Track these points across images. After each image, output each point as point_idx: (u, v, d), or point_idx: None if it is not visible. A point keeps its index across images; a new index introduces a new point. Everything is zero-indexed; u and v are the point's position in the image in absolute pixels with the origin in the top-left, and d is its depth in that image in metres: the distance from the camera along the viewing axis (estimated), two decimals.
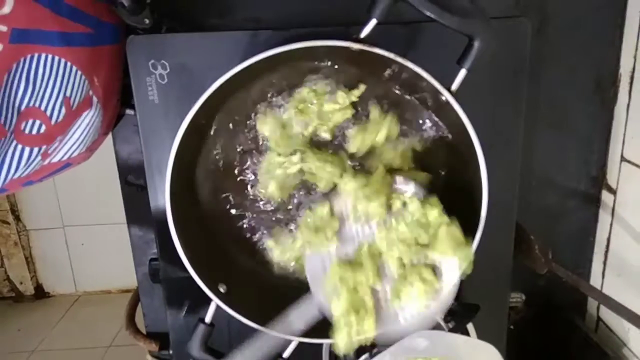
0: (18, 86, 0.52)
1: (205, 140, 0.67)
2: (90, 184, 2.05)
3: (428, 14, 0.52)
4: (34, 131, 0.55)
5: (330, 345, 0.74)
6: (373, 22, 0.54)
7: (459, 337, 0.64)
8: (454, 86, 0.56)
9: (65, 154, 0.64)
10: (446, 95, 0.55)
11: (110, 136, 0.79)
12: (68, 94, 0.58)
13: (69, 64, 0.57)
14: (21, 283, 2.36)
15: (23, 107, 0.53)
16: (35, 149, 0.56)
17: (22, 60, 0.51)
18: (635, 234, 0.77)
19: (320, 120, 0.64)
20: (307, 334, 0.63)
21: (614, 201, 0.81)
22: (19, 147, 0.54)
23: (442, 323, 0.73)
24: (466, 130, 0.56)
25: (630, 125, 0.77)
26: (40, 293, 2.40)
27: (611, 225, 0.82)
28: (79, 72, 0.59)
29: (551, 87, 0.79)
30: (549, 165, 0.82)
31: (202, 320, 0.64)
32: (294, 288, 0.71)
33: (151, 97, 0.68)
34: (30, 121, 0.54)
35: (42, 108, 0.55)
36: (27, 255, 2.32)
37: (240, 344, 0.61)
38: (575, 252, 0.87)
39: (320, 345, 0.74)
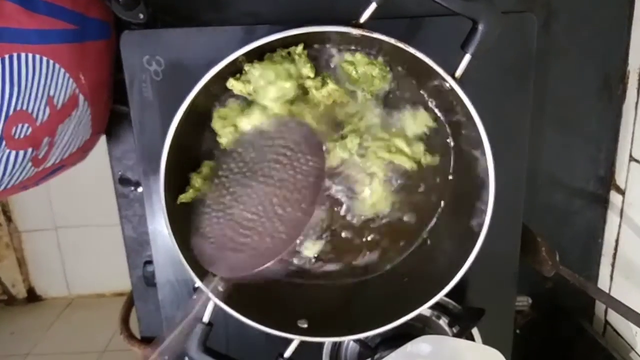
0: (3, 89, 0.50)
1: (202, 137, 0.66)
2: (83, 184, 2.03)
3: None
4: (22, 135, 0.54)
5: (331, 346, 0.73)
6: (373, 6, 0.53)
7: (463, 342, 0.64)
8: (458, 72, 0.55)
9: (58, 156, 0.63)
10: (450, 82, 0.54)
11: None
12: (52, 93, 0.56)
13: (51, 62, 0.55)
14: (13, 286, 2.34)
15: (11, 111, 0.51)
16: (21, 153, 0.55)
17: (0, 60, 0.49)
18: None
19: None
20: (308, 333, 0.63)
21: (623, 202, 0.80)
22: (6, 151, 0.53)
23: (447, 328, 0.72)
24: (472, 121, 0.55)
25: (639, 123, 0.76)
26: (33, 296, 2.38)
27: (619, 226, 0.81)
28: (62, 70, 0.57)
29: (558, 84, 0.77)
30: (555, 165, 0.81)
31: (199, 319, 0.63)
32: (293, 285, 0.71)
33: (145, 93, 0.67)
34: (19, 125, 0.53)
35: (28, 110, 0.54)
36: (19, 258, 2.31)
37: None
38: (583, 254, 0.85)
39: (321, 344, 0.74)
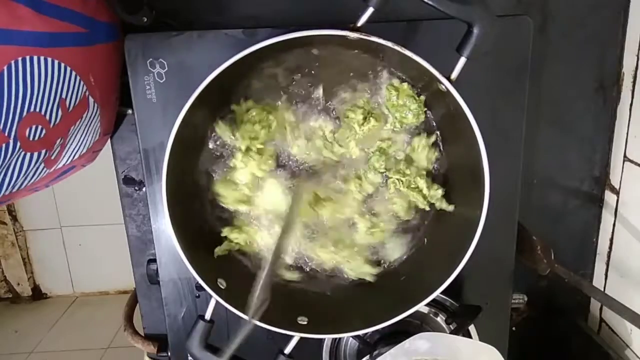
0: (16, 91, 0.51)
1: (204, 138, 0.67)
2: (87, 184, 2.04)
3: (426, 0, 0.51)
4: (36, 136, 0.54)
5: (331, 343, 0.74)
6: (370, 11, 0.54)
7: (460, 339, 0.64)
8: (454, 74, 0.55)
9: (69, 157, 0.64)
10: (445, 84, 0.55)
11: None
12: (64, 95, 0.57)
13: (62, 64, 0.56)
14: (18, 284, 2.35)
15: (24, 113, 0.52)
16: (35, 154, 0.55)
17: (12, 63, 0.50)
18: (638, 235, 0.76)
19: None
20: (308, 329, 0.63)
21: (617, 201, 0.81)
22: (22, 153, 0.53)
23: (444, 325, 0.72)
24: (468, 124, 0.55)
25: (633, 124, 0.77)
26: (38, 294, 2.39)
27: (614, 225, 0.82)
28: (74, 73, 0.58)
29: (553, 85, 0.78)
30: (551, 165, 0.81)
31: (201, 317, 0.64)
32: (293, 282, 0.72)
33: (149, 95, 0.68)
34: (33, 127, 0.54)
35: (41, 112, 0.54)
36: (24, 256, 2.31)
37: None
38: (578, 253, 0.86)
39: (321, 341, 0.74)
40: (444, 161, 0.69)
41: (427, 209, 0.69)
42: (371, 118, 0.66)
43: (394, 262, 0.72)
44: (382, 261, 0.72)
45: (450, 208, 0.67)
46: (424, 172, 0.68)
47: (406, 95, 0.65)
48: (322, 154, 0.68)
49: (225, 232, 0.69)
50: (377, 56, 0.63)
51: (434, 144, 0.68)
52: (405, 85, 0.65)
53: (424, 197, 0.68)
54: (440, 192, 0.68)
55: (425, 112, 0.66)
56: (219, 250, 0.68)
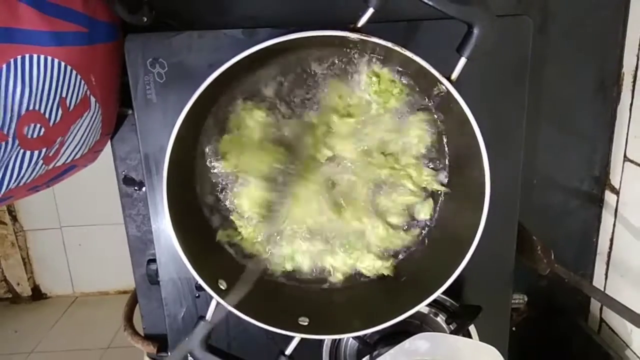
0: (14, 89, 0.51)
1: (203, 137, 0.67)
2: (87, 184, 2.04)
3: (426, 0, 0.51)
4: (35, 135, 0.54)
5: (331, 343, 0.74)
6: (370, 11, 0.53)
7: (460, 339, 0.64)
8: (454, 75, 0.55)
9: (69, 156, 0.64)
10: (446, 85, 0.54)
11: None
12: (64, 94, 0.57)
13: (63, 64, 0.56)
14: (18, 284, 2.35)
15: (23, 111, 0.52)
16: (36, 153, 0.55)
17: (12, 61, 0.50)
18: (638, 235, 0.76)
19: None
20: (309, 330, 0.63)
21: (617, 201, 0.81)
22: (21, 151, 0.53)
23: (444, 325, 0.72)
24: (469, 124, 0.55)
25: (634, 124, 0.77)
26: (37, 294, 2.39)
27: (614, 225, 0.82)
28: (74, 72, 0.58)
29: (553, 85, 0.78)
30: (551, 165, 0.81)
31: (202, 317, 0.64)
32: (293, 284, 0.72)
33: (149, 96, 0.68)
34: (32, 125, 0.54)
35: (41, 110, 0.54)
36: (24, 256, 2.31)
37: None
38: (578, 253, 0.86)
39: (321, 341, 0.74)
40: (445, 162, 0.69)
41: (419, 193, 0.70)
42: (344, 117, 0.66)
43: (422, 222, 0.72)
44: (394, 252, 0.73)
45: (442, 188, 0.69)
46: (413, 160, 0.69)
47: (388, 80, 0.65)
48: (309, 152, 0.68)
49: (234, 216, 0.69)
50: (348, 47, 0.63)
51: (429, 125, 0.68)
52: (385, 70, 0.65)
53: (413, 183, 0.69)
54: (430, 178, 0.69)
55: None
56: (220, 236, 0.69)
